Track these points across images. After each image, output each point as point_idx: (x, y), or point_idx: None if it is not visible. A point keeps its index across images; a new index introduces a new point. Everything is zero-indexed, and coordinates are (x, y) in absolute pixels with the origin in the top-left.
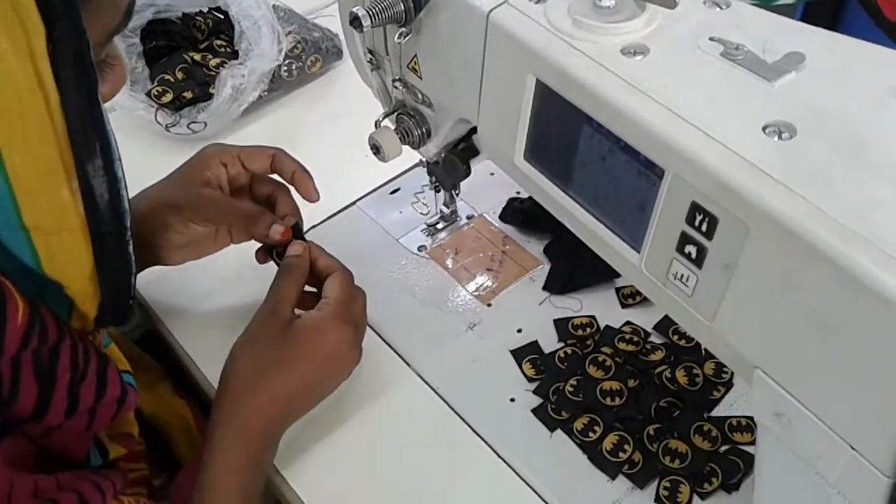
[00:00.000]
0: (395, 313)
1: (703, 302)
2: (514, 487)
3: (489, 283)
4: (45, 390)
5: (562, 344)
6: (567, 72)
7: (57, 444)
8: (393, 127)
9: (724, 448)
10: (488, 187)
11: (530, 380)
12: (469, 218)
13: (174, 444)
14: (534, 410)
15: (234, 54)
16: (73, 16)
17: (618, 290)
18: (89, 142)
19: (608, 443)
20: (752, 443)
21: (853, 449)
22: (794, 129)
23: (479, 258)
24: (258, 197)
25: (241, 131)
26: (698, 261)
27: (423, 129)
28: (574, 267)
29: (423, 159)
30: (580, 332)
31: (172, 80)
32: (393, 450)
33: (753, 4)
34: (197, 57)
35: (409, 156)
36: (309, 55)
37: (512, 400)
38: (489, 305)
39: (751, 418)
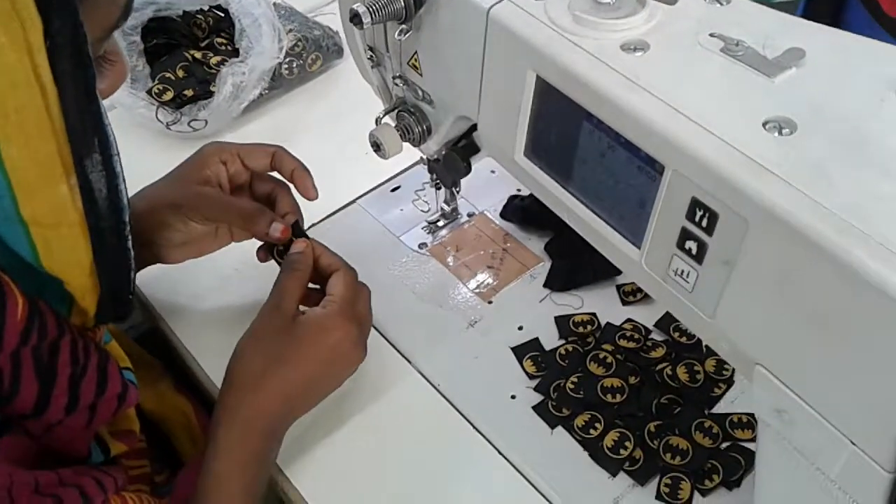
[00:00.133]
0: (396, 311)
1: (703, 298)
2: (515, 484)
3: (490, 280)
4: (46, 386)
5: (563, 341)
6: (567, 68)
7: (58, 441)
8: (393, 124)
9: (725, 445)
10: (489, 185)
11: (531, 377)
12: (470, 215)
13: (176, 441)
14: (535, 407)
15: (235, 52)
16: (71, 10)
17: (619, 287)
18: (87, 137)
19: (609, 440)
20: (754, 439)
21: (853, 444)
22: (794, 125)
23: (480, 255)
24: (258, 195)
25: (241, 129)
26: (698, 256)
27: (424, 127)
28: (575, 264)
29: (424, 157)
30: (581, 329)
31: (173, 78)
32: (394, 446)
33: (754, 0)
34: (198, 55)
35: (410, 153)
36: (309, 53)
37: (513, 397)
38: (490, 303)
39: (752, 415)
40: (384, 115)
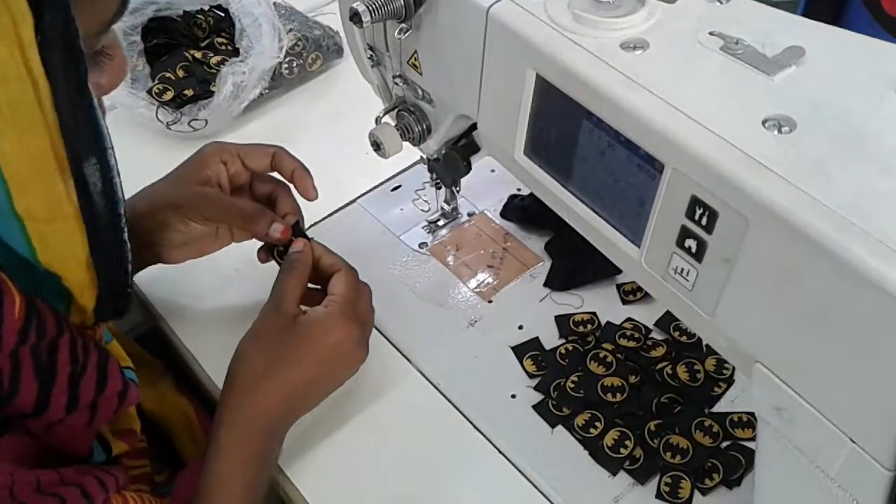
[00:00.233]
0: (397, 310)
1: (703, 296)
2: (515, 484)
3: (490, 279)
4: (46, 385)
5: (563, 340)
6: (567, 67)
7: (59, 440)
8: (393, 123)
9: (725, 444)
10: (489, 184)
11: (531, 376)
12: (470, 215)
13: (176, 441)
14: (535, 406)
15: (235, 52)
16: (63, 5)
17: (619, 286)
18: (80, 131)
19: (609, 439)
20: (754, 438)
21: (853, 442)
22: (793, 123)
23: (480, 255)
24: (259, 195)
25: (241, 129)
26: (698, 255)
27: (424, 126)
28: (575, 263)
29: (424, 156)
30: (581, 328)
31: (173, 77)
32: (394, 446)
33: None
34: (198, 55)
35: (410, 153)
36: (310, 53)
37: (513, 396)
38: (490, 302)
39: (752, 414)
40: (384, 115)
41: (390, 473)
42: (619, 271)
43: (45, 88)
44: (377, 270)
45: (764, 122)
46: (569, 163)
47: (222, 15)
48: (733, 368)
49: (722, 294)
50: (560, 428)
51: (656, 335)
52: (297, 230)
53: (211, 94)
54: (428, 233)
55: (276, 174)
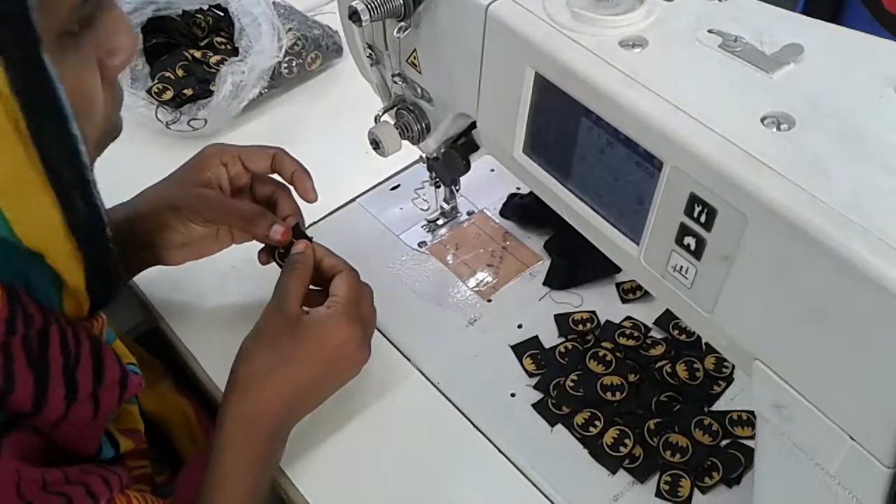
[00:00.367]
0: (396, 309)
1: (702, 293)
2: (514, 482)
3: (489, 278)
4: (40, 377)
5: (562, 339)
6: (566, 65)
7: (67, 438)
8: (392, 122)
9: (724, 442)
10: (488, 183)
11: (531, 375)
12: (469, 214)
13: (177, 442)
14: (534, 405)
15: (235, 51)
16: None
17: (618, 285)
18: (36, 100)
19: (609, 437)
20: (753, 437)
21: (852, 439)
22: (792, 120)
23: (480, 254)
24: (259, 197)
25: (241, 128)
26: (697, 252)
27: (423, 124)
28: (574, 262)
29: (423, 155)
30: (581, 327)
31: (173, 77)
32: (393, 445)
33: None
34: (197, 54)
35: (410, 152)
36: (309, 52)
37: (512, 395)
38: (490, 301)
39: (751, 412)
40: (383, 113)
41: (390, 472)
42: (618, 270)
43: None
44: (376, 270)
45: (763, 120)
46: (568, 161)
47: (222, 14)
48: (733, 367)
49: (721, 292)
50: (559, 426)
51: (656, 334)
52: (298, 232)
53: (210, 93)
54: (427, 232)
55: (276, 176)
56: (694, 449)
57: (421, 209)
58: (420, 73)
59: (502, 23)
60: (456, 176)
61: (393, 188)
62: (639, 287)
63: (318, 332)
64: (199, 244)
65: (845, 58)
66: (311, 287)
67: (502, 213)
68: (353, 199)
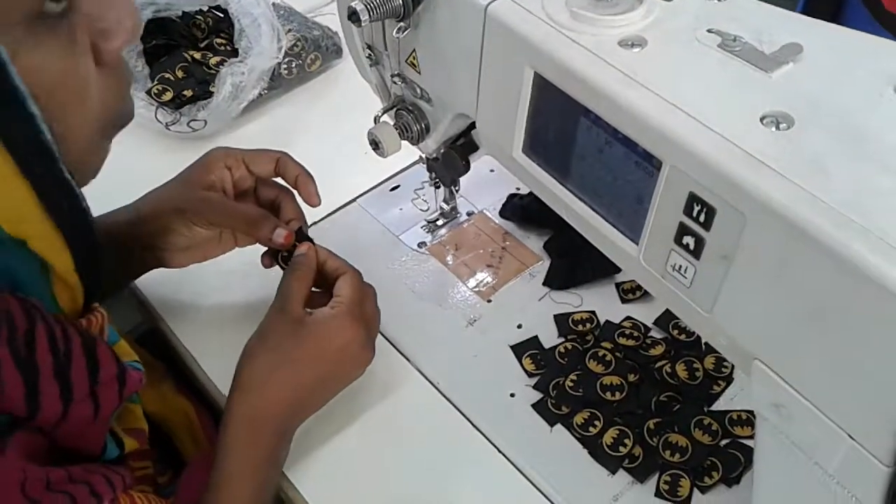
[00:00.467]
0: (396, 310)
1: (701, 293)
2: (514, 482)
3: (489, 279)
4: (30, 379)
5: (562, 339)
6: (565, 64)
7: (69, 438)
8: (392, 122)
9: (724, 442)
10: (488, 184)
11: (530, 375)
12: (469, 214)
13: (178, 442)
14: (534, 405)
15: (234, 52)
16: None
17: (618, 285)
18: None
19: (608, 437)
20: (753, 437)
21: (852, 438)
22: (791, 120)
23: (480, 254)
24: (263, 201)
25: (240, 129)
26: (696, 252)
27: (422, 125)
28: (574, 262)
29: (423, 155)
30: (580, 327)
31: (172, 78)
32: (393, 445)
33: None
34: (197, 55)
35: (409, 153)
36: (309, 53)
37: (512, 395)
38: (489, 301)
39: (751, 412)
40: (383, 114)
41: (389, 472)
42: (618, 270)
43: None
44: (376, 270)
45: (762, 119)
46: (567, 160)
47: (221, 16)
48: (732, 367)
49: (720, 291)
50: (559, 426)
51: (655, 334)
52: (301, 235)
53: (210, 94)
54: (427, 232)
55: (279, 179)
56: (693, 449)
57: (420, 210)
58: (419, 73)
59: (501, 23)
60: (455, 176)
61: (393, 189)
62: (638, 287)
63: (321, 332)
64: (202, 247)
65: (845, 57)
66: (315, 290)
67: (502, 214)
68: (353, 200)
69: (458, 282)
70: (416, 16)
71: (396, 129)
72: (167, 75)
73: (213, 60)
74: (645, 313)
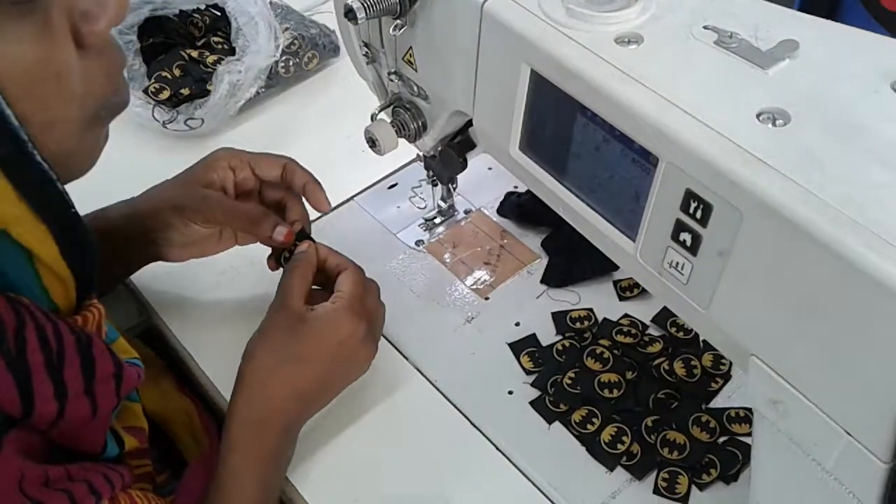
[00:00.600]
0: (393, 308)
1: (698, 289)
2: (512, 480)
3: (487, 277)
4: (22, 378)
5: (560, 337)
6: (561, 61)
7: (67, 436)
8: (389, 120)
9: (722, 439)
10: (486, 182)
11: (528, 372)
12: (467, 212)
13: (178, 442)
14: (532, 403)
15: (232, 51)
16: None
17: (616, 282)
18: None
19: (606, 434)
20: (751, 434)
21: (849, 434)
22: (787, 116)
23: (477, 252)
24: (268, 201)
25: (238, 128)
26: (693, 248)
27: (419, 122)
28: (572, 260)
29: (420, 153)
30: (578, 324)
31: (169, 77)
32: (391, 443)
33: None
34: (194, 54)
35: (407, 150)
36: (306, 52)
37: (510, 393)
38: (487, 299)
39: (749, 410)
40: (379, 112)
41: (387, 470)
42: (615, 268)
43: None
44: (374, 268)
45: (758, 116)
46: (564, 158)
47: (218, 14)
48: (730, 364)
49: (717, 287)
50: (557, 424)
51: (653, 331)
52: (302, 234)
53: (207, 92)
54: (425, 230)
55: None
56: (691, 446)
57: (418, 208)
58: (416, 70)
59: (498, 20)
60: (453, 174)
61: (390, 187)
62: (636, 285)
63: (321, 328)
64: (200, 244)
65: (840, 53)
66: (317, 287)
67: (499, 212)
68: (351, 198)
69: (456, 280)
70: (413, 13)
71: (393, 126)
72: (164, 74)
73: (211, 59)
74: (643, 311)
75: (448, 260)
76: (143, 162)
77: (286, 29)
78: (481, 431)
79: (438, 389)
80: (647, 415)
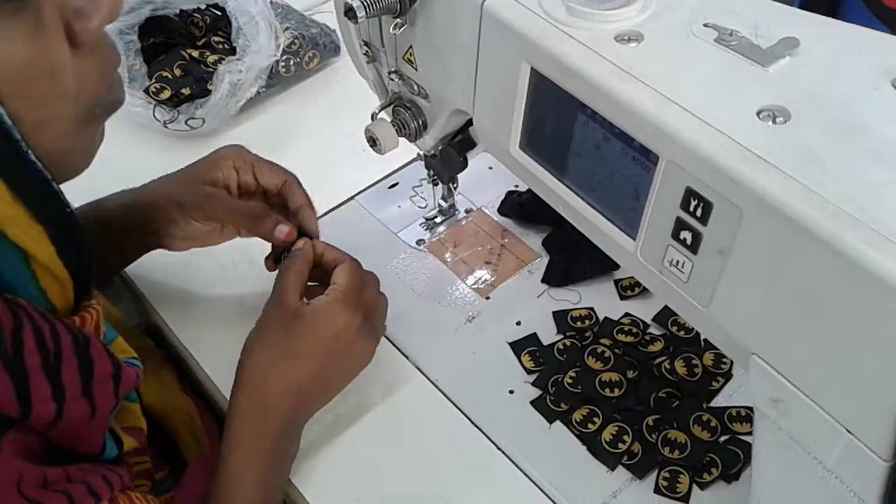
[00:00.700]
0: (394, 307)
1: (698, 288)
2: (513, 479)
3: (488, 276)
4: (19, 379)
5: (561, 336)
6: (561, 60)
7: (66, 437)
8: (389, 119)
9: (723, 438)
10: (486, 181)
11: (529, 372)
12: (467, 212)
13: (178, 439)
14: (533, 402)
15: (232, 51)
16: None
17: (616, 282)
18: None
19: (607, 434)
20: (752, 433)
21: (850, 433)
22: (787, 114)
23: (478, 251)
24: (271, 199)
25: (239, 127)
26: (693, 246)
27: (420, 121)
28: (573, 259)
29: (421, 152)
30: (579, 324)
31: (170, 76)
32: (391, 442)
33: None
34: (195, 53)
35: (408, 150)
36: (306, 51)
37: (511, 392)
38: (488, 298)
39: (750, 409)
40: (380, 111)
41: (387, 470)
42: (616, 267)
43: None
44: (375, 268)
45: (758, 114)
46: (564, 156)
47: (219, 14)
48: (731, 363)
49: (717, 286)
50: (558, 423)
51: (654, 330)
52: (301, 233)
53: (208, 92)
54: (425, 230)
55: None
56: (693, 445)
57: (419, 207)
58: (416, 69)
59: (498, 18)
60: (454, 173)
61: (391, 186)
62: (637, 284)
63: (316, 321)
64: (202, 238)
65: (841, 51)
66: (315, 283)
67: (500, 211)
68: (352, 198)
69: (457, 279)
70: (413, 12)
71: (394, 125)
72: (165, 73)
73: (211, 58)
74: (644, 310)
75: (449, 259)
76: (144, 162)
77: (287, 28)
78: (482, 431)
79: (439, 389)
80: (648, 414)
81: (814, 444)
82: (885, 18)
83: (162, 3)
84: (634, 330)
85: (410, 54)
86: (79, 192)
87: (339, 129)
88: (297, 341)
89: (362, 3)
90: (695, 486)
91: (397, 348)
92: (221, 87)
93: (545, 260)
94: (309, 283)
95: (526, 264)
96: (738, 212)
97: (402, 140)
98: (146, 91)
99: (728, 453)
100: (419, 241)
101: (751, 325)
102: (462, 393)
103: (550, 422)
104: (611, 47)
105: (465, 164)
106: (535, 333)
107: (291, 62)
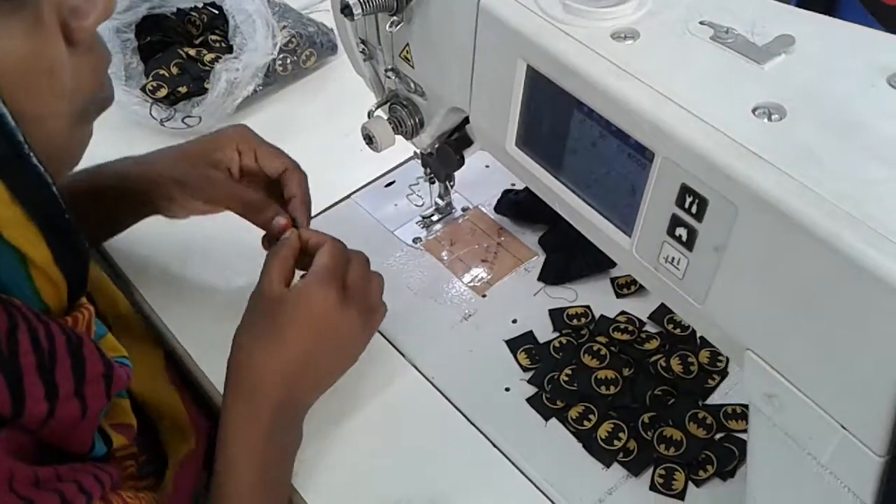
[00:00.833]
0: (391, 305)
1: (694, 284)
2: (509, 476)
3: (484, 274)
4: (13, 379)
5: (557, 334)
6: (558, 57)
7: (56, 436)
8: (386, 117)
9: (719, 436)
10: (483, 179)
11: (525, 369)
12: (464, 210)
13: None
14: (529, 400)
15: (229, 49)
16: None
17: (613, 280)
18: None
19: (603, 431)
20: (747, 430)
21: (844, 428)
22: (783, 111)
23: (475, 250)
24: (271, 172)
25: None
26: (689, 243)
27: (416, 119)
28: (569, 257)
29: (418, 151)
30: (575, 321)
31: (167, 75)
32: (387, 440)
33: None
34: (192, 52)
35: (404, 148)
36: (303, 49)
37: (507, 389)
38: (484, 296)
39: (746, 406)
40: (377, 108)
41: (383, 467)
42: (613, 265)
43: None
44: (372, 266)
45: (754, 111)
46: (560, 153)
47: (216, 12)
48: (727, 360)
49: (712, 282)
50: (554, 421)
51: (650, 328)
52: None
53: (205, 91)
54: (422, 228)
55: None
56: (688, 442)
57: (416, 205)
58: (413, 67)
59: (494, 16)
60: (450, 171)
61: (388, 184)
62: (633, 282)
63: (297, 304)
64: (199, 211)
65: (837, 48)
66: (304, 272)
67: (497, 209)
68: (348, 196)
69: (454, 277)
70: (409, 10)
71: (390, 123)
72: (162, 72)
73: (208, 57)
74: (640, 308)
75: (445, 257)
76: None
77: (284, 27)
78: (478, 428)
79: (435, 386)
80: (644, 411)
81: (808, 439)
82: (882, 16)
83: (159, 1)
84: (630, 328)
85: (407, 52)
86: None
87: (335, 128)
88: (281, 327)
89: (359, 0)
90: (690, 484)
91: (394, 346)
92: (218, 85)
93: (541, 258)
94: (300, 273)
95: (522, 262)
96: (733, 209)
97: (399, 138)
98: (143, 89)
99: (724, 450)
100: (416, 240)
101: (746, 321)
102: (458, 390)
103: (546, 419)
104: (607, 45)
105: (461, 162)
106: (531, 331)
107: (288, 61)
